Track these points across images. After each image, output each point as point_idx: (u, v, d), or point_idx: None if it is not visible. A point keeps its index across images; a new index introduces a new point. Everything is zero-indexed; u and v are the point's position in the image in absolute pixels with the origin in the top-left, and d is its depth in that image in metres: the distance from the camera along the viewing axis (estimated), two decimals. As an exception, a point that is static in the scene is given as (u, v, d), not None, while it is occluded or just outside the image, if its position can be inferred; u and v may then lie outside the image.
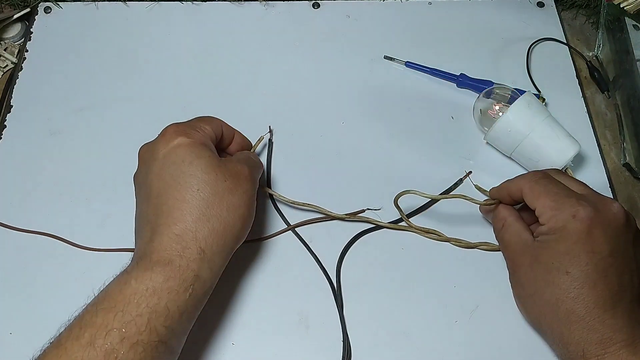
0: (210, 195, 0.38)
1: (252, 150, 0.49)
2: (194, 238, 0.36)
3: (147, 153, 0.41)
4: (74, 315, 0.35)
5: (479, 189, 0.48)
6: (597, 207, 0.38)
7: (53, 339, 0.34)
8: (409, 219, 0.48)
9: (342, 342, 0.43)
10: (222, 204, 0.38)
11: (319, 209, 0.47)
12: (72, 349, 0.32)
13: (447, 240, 0.47)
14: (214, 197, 0.38)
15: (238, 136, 0.47)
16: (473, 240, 0.47)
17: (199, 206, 0.37)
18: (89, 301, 0.35)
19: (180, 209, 0.37)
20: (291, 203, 0.48)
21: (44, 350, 0.33)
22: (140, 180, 0.40)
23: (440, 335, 0.43)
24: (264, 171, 0.47)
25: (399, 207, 0.46)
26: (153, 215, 0.38)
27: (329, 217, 0.48)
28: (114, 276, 0.36)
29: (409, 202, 0.48)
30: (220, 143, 0.45)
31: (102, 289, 0.36)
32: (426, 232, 0.47)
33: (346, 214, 0.47)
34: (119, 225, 0.48)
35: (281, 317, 0.44)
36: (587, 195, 0.40)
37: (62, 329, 0.34)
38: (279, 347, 0.43)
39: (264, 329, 0.44)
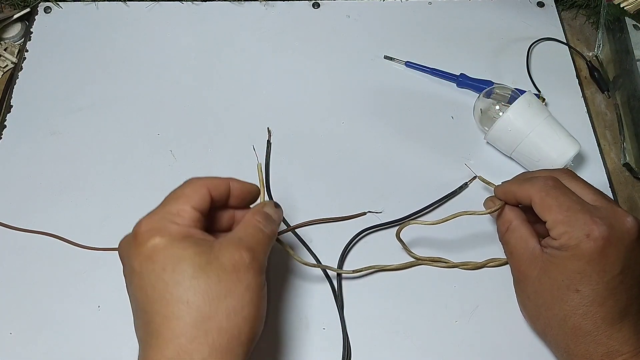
0: (203, 304, 0.31)
1: (260, 195, 0.40)
2: None
3: (124, 257, 0.34)
4: None
5: (484, 181, 0.47)
6: (611, 223, 0.37)
7: None
8: (410, 225, 0.48)
9: (342, 342, 0.43)
10: (221, 311, 0.31)
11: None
12: None
13: (455, 266, 0.46)
14: (209, 307, 0.31)
15: (236, 188, 0.37)
16: (479, 258, 0.46)
17: (193, 321, 0.31)
18: None
19: (170, 328, 0.31)
20: (304, 263, 0.42)
21: None
22: (127, 283, 0.34)
23: (440, 335, 0.43)
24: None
25: (401, 240, 0.45)
26: (142, 332, 0.32)
27: (329, 219, 0.48)
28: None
29: (409, 207, 0.48)
30: (215, 203, 0.36)
31: None
32: (432, 261, 0.46)
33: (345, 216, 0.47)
34: (119, 225, 0.47)
35: (282, 318, 0.44)
36: (601, 208, 0.38)
37: None
38: (279, 347, 0.43)
39: (264, 329, 0.43)
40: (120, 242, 0.35)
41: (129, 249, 0.33)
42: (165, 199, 0.35)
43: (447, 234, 0.48)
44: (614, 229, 0.37)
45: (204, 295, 0.31)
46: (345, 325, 0.43)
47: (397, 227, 0.44)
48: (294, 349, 0.43)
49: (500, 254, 0.46)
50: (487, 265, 0.46)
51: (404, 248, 0.46)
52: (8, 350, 0.43)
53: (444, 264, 0.46)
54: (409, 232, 0.46)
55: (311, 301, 0.45)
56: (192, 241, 0.33)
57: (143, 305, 0.32)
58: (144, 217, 0.34)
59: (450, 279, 0.46)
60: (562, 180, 0.40)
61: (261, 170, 0.42)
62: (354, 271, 0.44)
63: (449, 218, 0.43)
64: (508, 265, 0.44)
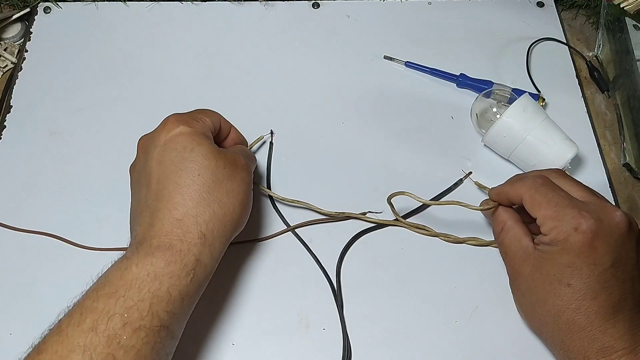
0: (210, 180, 0.38)
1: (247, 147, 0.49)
2: (195, 222, 0.37)
3: (147, 141, 0.41)
4: (73, 301, 0.35)
5: (479, 185, 0.48)
6: (600, 217, 0.38)
7: (53, 326, 0.34)
8: (407, 219, 0.48)
9: (342, 342, 0.43)
10: (222, 189, 0.38)
11: (309, 205, 0.47)
12: (73, 334, 0.32)
13: (436, 235, 0.47)
14: (214, 183, 0.38)
15: (234, 132, 0.47)
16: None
17: (200, 191, 0.37)
18: (88, 287, 0.35)
19: (181, 194, 0.37)
20: (281, 199, 0.48)
21: (44, 337, 0.33)
22: (139, 167, 0.41)
23: (440, 335, 0.43)
24: (257, 167, 0.48)
25: (391, 204, 0.46)
26: (153, 200, 0.38)
27: (329, 219, 0.48)
28: (113, 262, 0.36)
29: (408, 203, 0.48)
30: (218, 136, 0.45)
31: (100, 275, 0.36)
32: (416, 227, 0.47)
33: (336, 212, 0.47)
34: (119, 225, 0.48)
35: (281, 317, 0.44)
36: (589, 203, 0.39)
37: (62, 315, 0.34)
38: (279, 347, 0.43)
39: (264, 329, 0.44)
40: (142, 136, 0.42)
41: (154, 133, 0.41)
42: (190, 111, 0.43)
43: (439, 216, 0.48)
44: (602, 223, 0.37)
45: (212, 174, 0.38)
46: (345, 325, 0.43)
47: (390, 194, 0.45)
48: (294, 349, 0.43)
49: (482, 237, 0.47)
50: (467, 242, 0.47)
51: (393, 211, 0.47)
52: (8, 350, 0.43)
53: (426, 232, 0.47)
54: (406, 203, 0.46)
55: (311, 301, 0.45)
56: (208, 137, 0.41)
57: (158, 176, 0.38)
58: (173, 114, 0.42)
59: (450, 278, 0.46)
60: (552, 178, 0.41)
61: (257, 141, 0.51)
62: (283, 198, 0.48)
63: (443, 203, 0.46)
64: (503, 263, 0.44)
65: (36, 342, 0.33)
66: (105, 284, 0.34)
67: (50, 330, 0.34)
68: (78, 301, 0.34)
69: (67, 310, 0.34)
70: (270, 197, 0.49)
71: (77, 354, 0.31)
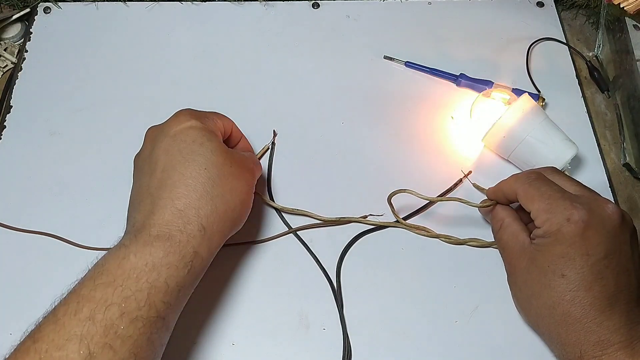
0: (216, 175, 0.38)
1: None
2: (196, 215, 0.37)
3: (156, 131, 0.41)
4: (67, 289, 0.34)
5: (477, 187, 0.48)
6: (592, 208, 0.38)
7: (47, 313, 0.33)
8: (408, 220, 0.48)
9: (342, 342, 0.43)
10: (226, 186, 0.39)
11: (311, 214, 0.47)
12: (70, 323, 0.32)
13: (437, 236, 0.47)
14: (219, 179, 0.38)
15: (244, 141, 0.47)
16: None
17: (204, 184, 0.38)
18: (84, 275, 0.35)
19: (185, 185, 0.37)
20: (281, 208, 0.48)
21: (39, 325, 0.33)
22: (145, 156, 0.41)
23: (440, 335, 0.43)
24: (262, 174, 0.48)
25: (391, 204, 0.46)
26: (156, 188, 0.38)
27: (327, 223, 0.48)
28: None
29: (408, 203, 0.48)
30: (227, 142, 0.45)
31: (96, 262, 0.35)
32: (416, 228, 0.47)
33: (336, 218, 0.47)
34: (119, 225, 0.47)
35: (281, 317, 0.44)
36: (582, 196, 0.39)
37: (57, 303, 0.34)
38: (279, 347, 0.43)
39: (264, 329, 0.44)
40: (150, 127, 0.42)
41: (164, 124, 0.41)
42: (204, 110, 0.43)
43: (440, 217, 0.48)
44: (594, 213, 0.38)
45: (218, 170, 0.38)
46: (345, 325, 0.43)
47: (390, 192, 0.45)
48: (294, 349, 0.43)
49: (483, 239, 0.47)
50: (468, 243, 0.47)
51: (392, 211, 0.47)
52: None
53: (426, 233, 0.47)
54: (407, 203, 0.46)
55: (311, 301, 0.45)
56: (218, 136, 0.41)
57: (164, 165, 0.38)
58: (186, 108, 0.42)
59: (450, 278, 0.46)
60: (546, 174, 0.42)
61: (265, 150, 0.52)
62: (285, 207, 0.48)
63: (443, 199, 0.47)
64: (506, 269, 0.44)
65: (30, 329, 0.33)
66: (103, 272, 0.34)
67: (45, 317, 0.33)
68: (74, 289, 0.34)
69: (62, 298, 0.34)
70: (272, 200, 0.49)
71: (74, 343, 0.31)
